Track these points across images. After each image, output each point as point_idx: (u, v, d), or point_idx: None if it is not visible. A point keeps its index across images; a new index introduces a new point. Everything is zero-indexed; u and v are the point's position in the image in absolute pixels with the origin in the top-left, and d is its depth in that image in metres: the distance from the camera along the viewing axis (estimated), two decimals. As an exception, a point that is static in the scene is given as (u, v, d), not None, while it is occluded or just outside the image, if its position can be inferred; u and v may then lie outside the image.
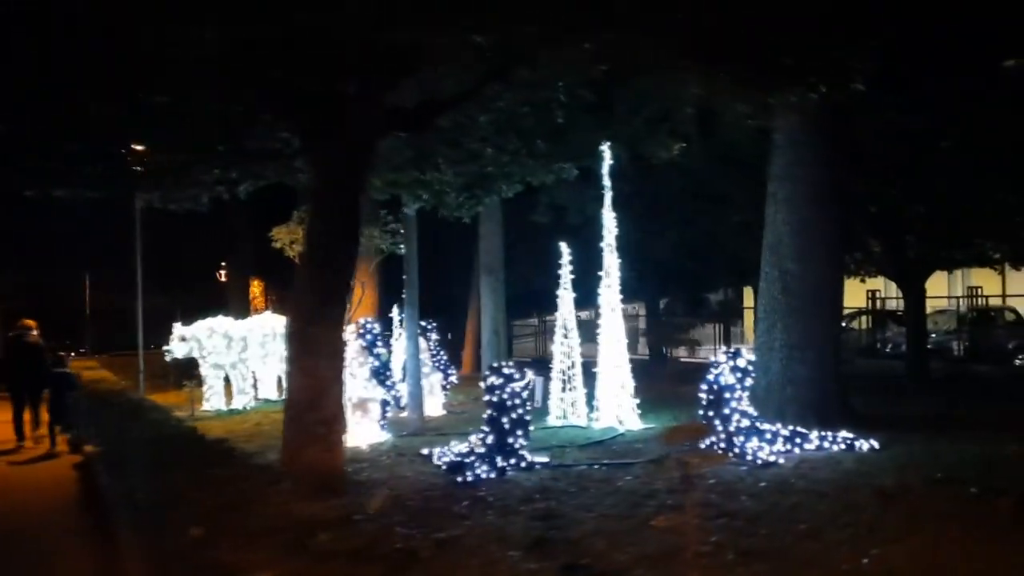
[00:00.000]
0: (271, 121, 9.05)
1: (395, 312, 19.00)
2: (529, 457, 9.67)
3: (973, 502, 7.34)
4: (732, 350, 9.89)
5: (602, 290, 12.72)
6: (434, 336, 15.51)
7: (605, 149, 12.51)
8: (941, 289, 25.16)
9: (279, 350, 18.53)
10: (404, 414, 13.67)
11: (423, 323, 15.83)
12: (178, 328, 17.40)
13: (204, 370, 17.65)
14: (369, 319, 12.96)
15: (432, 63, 7.63)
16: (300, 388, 7.73)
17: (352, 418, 12.45)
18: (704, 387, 9.89)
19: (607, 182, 12.56)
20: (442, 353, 15.58)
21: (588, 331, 13.88)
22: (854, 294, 24.87)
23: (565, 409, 13.01)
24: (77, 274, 36.89)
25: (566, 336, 13.10)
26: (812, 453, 9.74)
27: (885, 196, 15.77)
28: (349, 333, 12.77)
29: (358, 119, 7.69)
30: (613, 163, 12.70)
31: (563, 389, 13.09)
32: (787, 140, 11.70)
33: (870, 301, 23.85)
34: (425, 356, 15.32)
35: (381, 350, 12.62)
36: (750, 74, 6.51)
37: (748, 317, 25.86)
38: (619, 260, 12.62)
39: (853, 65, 6.69)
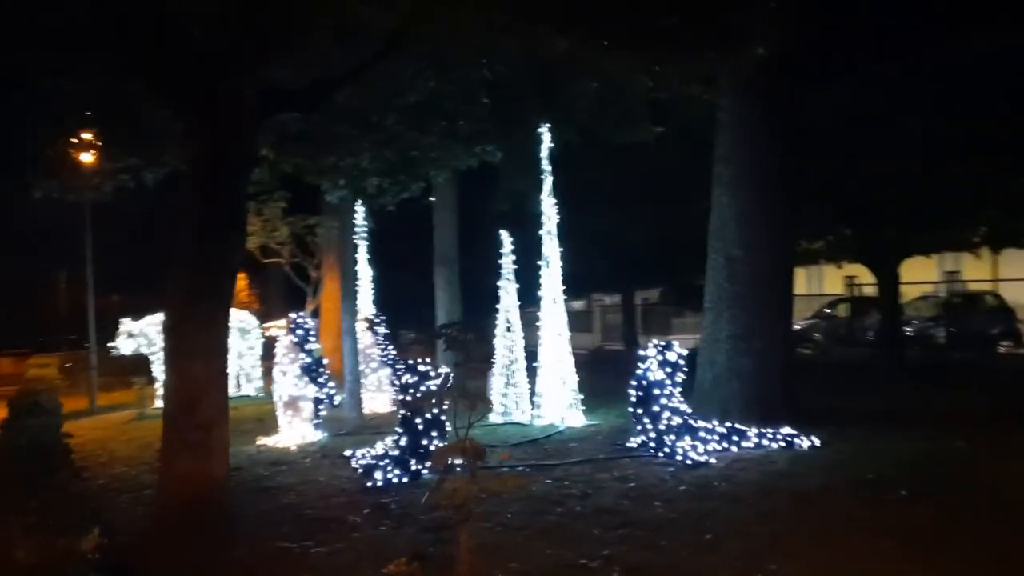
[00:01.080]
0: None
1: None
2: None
3: (899, 507, 6.75)
4: (662, 342, 9.27)
5: (543, 280, 12.11)
6: (383, 329, 14.91)
7: (544, 131, 11.91)
8: (929, 275, 24.52)
9: (239, 347, 18.04)
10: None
11: (373, 316, 15.29)
12: (126, 323, 16.88)
13: (157, 367, 17.11)
14: (301, 313, 12.37)
15: (302, 39, 7.01)
16: (175, 391, 7.14)
17: (283, 417, 11.95)
18: (632, 383, 9.31)
19: (547, 166, 11.94)
20: (391, 347, 14.99)
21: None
22: (831, 280, 24.28)
23: (508, 406, 12.44)
24: (55, 272, 36.36)
25: (509, 330, 12.51)
26: (748, 452, 9.16)
27: (851, 178, 15.15)
28: (280, 328, 12.24)
29: (231, 97, 7.09)
30: (553, 146, 12.08)
31: (506, 385, 12.51)
32: (731, 119, 11.09)
33: (848, 288, 23.15)
34: (374, 351, 14.79)
35: (314, 346, 12.03)
36: (625, 39, 5.87)
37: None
38: (561, 249, 12.02)
39: (752, 30, 6.05)
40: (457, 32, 7.40)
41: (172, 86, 7.10)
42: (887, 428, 10.13)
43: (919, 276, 23.98)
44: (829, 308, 25.28)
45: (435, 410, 8.93)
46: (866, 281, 22.35)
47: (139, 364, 18.16)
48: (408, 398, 8.91)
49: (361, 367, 14.59)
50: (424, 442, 8.84)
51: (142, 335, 16.82)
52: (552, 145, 11.94)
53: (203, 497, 7.17)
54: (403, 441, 8.83)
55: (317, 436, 11.83)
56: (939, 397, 13.14)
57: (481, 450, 4.72)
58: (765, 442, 9.30)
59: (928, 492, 7.05)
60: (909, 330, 22.12)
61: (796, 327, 25.38)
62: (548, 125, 11.80)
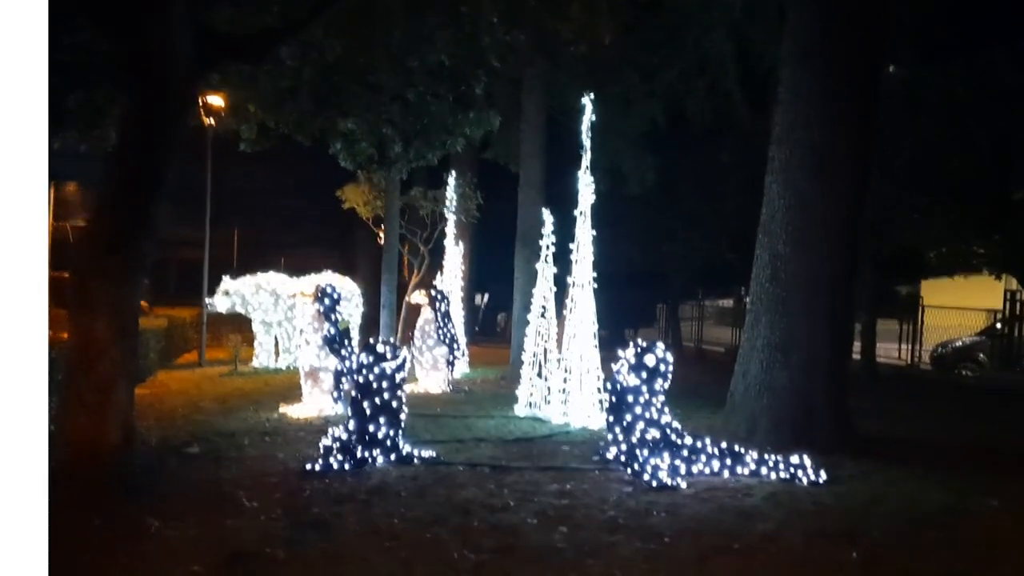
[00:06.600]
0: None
1: (437, 280, 18.11)
2: (407, 449, 8.44)
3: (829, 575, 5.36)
4: (643, 344, 8.07)
5: (573, 264, 11.04)
6: (443, 306, 14.37)
7: (587, 102, 10.81)
8: None
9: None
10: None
11: (435, 291, 14.79)
12: (225, 281, 17.32)
13: (254, 326, 17.57)
14: (330, 283, 12.03)
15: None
16: (73, 348, 6.94)
17: (305, 388, 11.72)
18: (608, 388, 8.21)
19: (586, 140, 10.81)
20: (451, 325, 14.43)
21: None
22: (994, 294, 21.24)
23: (534, 398, 11.55)
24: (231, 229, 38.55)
25: (543, 315, 11.58)
26: (738, 479, 7.80)
27: (992, 169, 12.91)
28: (305, 296, 11.98)
29: (163, 37, 6.75)
30: (595, 120, 10.92)
31: (538, 375, 11.62)
32: (791, 94, 9.55)
33: (1008, 303, 20.01)
34: (431, 327, 14.28)
35: (340, 317, 11.66)
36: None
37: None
38: (594, 232, 10.90)
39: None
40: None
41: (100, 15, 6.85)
42: (936, 469, 8.37)
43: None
44: (1000, 324, 22.15)
45: (386, 395, 8.30)
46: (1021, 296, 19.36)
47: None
48: (360, 379, 8.31)
49: (417, 343, 14.19)
50: (372, 428, 8.22)
51: (237, 294, 17.21)
52: (594, 119, 10.81)
53: (97, 461, 6.95)
54: (351, 425, 8.25)
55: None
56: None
57: None
58: (764, 470, 7.91)
59: (886, 561, 5.58)
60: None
61: (959, 344, 22.56)
62: (591, 96, 10.72)
